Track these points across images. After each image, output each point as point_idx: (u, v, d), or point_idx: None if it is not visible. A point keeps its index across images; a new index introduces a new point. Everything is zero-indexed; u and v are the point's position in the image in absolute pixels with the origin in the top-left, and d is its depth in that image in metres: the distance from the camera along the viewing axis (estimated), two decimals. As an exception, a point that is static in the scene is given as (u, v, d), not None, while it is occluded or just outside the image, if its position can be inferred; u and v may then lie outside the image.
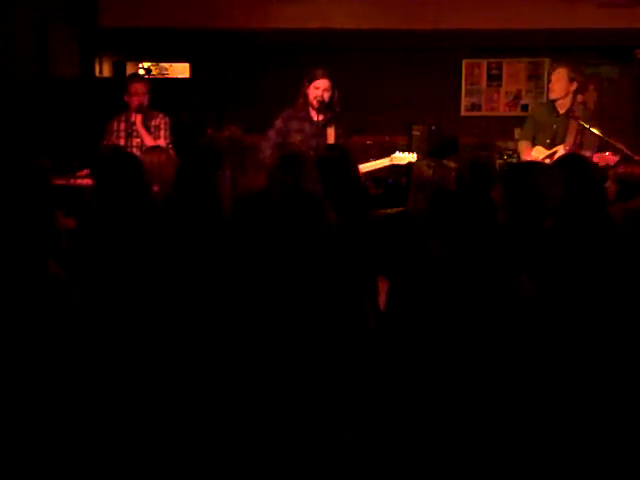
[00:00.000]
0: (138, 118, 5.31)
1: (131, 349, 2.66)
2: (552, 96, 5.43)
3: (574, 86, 5.37)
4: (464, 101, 8.13)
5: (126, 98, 5.37)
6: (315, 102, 4.97)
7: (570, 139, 5.26)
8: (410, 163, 5.20)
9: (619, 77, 7.88)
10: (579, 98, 6.07)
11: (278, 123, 5.07)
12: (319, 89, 4.98)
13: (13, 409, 2.29)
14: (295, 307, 2.61)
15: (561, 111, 5.39)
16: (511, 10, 7.21)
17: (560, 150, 5.26)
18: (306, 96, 5.02)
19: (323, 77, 4.97)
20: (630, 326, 2.59)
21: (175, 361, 2.61)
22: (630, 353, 2.53)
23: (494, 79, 8.09)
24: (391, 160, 5.24)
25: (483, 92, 8.11)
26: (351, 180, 3.81)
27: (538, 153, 5.44)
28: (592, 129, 5.18)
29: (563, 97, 5.37)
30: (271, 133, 5.07)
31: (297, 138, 4.97)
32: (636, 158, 4.90)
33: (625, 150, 5.02)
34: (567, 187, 2.87)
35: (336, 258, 2.87)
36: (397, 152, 5.24)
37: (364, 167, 4.98)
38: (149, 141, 5.27)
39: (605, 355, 2.51)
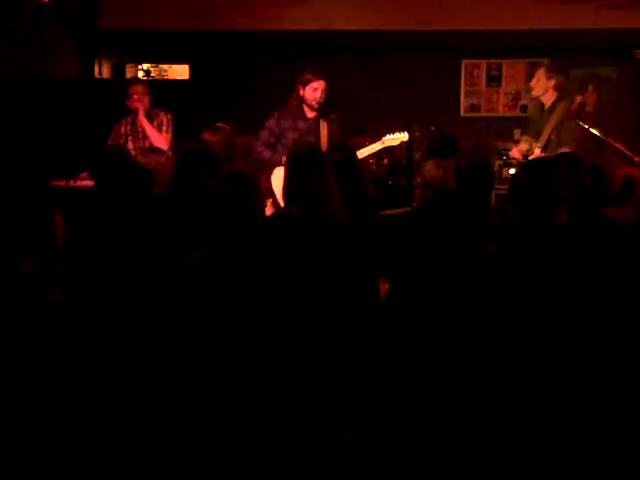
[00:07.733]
0: (140, 112, 5.29)
1: (117, 351, 2.65)
2: (533, 94, 5.51)
3: (552, 82, 5.39)
4: (464, 102, 8.13)
5: (127, 102, 5.39)
6: (314, 103, 5.01)
7: (545, 136, 5.26)
8: (402, 143, 5.30)
9: (618, 77, 7.87)
10: (578, 99, 6.08)
11: (270, 123, 5.10)
12: (318, 90, 5.02)
13: None
14: (291, 307, 2.61)
15: (546, 107, 5.41)
16: (511, 10, 7.20)
17: (536, 150, 5.27)
18: (301, 98, 5.05)
19: (320, 78, 5.01)
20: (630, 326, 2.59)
21: (165, 359, 2.61)
22: (629, 349, 2.53)
23: (493, 80, 8.09)
24: (383, 143, 5.29)
25: (483, 93, 8.10)
26: (357, 181, 3.81)
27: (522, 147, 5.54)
28: (591, 127, 5.20)
29: (542, 94, 5.41)
30: (263, 133, 5.10)
31: (292, 136, 5.00)
32: (635, 159, 4.90)
33: (624, 150, 5.02)
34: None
35: (342, 257, 2.87)
36: (387, 135, 5.31)
37: (359, 153, 4.99)
38: (153, 134, 5.25)
39: (606, 351, 2.51)
